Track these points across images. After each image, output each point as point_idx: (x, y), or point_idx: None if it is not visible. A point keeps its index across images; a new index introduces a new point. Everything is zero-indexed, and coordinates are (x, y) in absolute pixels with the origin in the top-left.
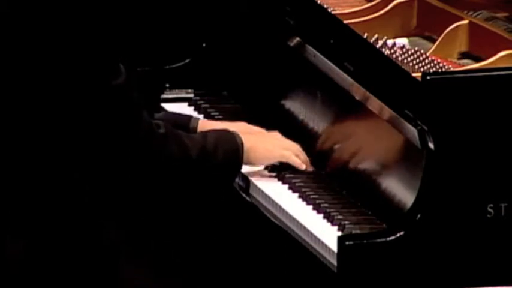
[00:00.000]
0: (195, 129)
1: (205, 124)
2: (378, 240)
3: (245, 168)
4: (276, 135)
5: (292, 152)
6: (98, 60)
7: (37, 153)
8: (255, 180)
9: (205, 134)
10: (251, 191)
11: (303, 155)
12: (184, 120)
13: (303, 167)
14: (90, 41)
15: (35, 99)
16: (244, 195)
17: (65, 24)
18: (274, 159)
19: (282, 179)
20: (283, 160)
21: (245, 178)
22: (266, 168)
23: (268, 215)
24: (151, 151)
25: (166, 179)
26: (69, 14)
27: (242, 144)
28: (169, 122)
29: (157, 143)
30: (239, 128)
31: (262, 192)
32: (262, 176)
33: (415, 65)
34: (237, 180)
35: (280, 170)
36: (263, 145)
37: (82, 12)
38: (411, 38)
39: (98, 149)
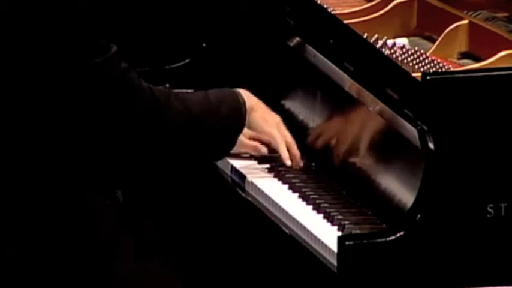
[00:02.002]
0: None
1: None
2: (378, 240)
3: (242, 166)
4: (278, 118)
5: (283, 138)
6: (79, 39)
7: (36, 152)
8: (254, 179)
9: (207, 92)
10: (250, 190)
11: (294, 149)
12: None
13: (287, 162)
14: (73, 21)
15: (22, 87)
16: (243, 194)
17: (46, 3)
18: (265, 131)
19: (281, 178)
20: (272, 140)
21: (244, 177)
22: (257, 160)
23: (268, 214)
24: (156, 115)
25: (172, 139)
26: None
27: (244, 102)
28: None
29: (161, 106)
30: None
31: (262, 192)
32: (261, 175)
33: (415, 65)
34: (235, 179)
35: (273, 165)
36: (262, 111)
37: None
38: (411, 38)
39: (99, 127)
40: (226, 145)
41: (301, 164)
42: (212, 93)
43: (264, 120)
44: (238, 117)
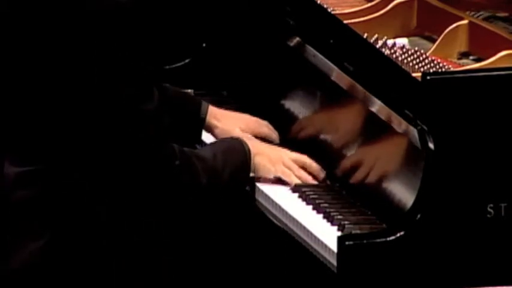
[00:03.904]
0: (203, 120)
1: (215, 113)
2: (378, 240)
3: None
4: (284, 150)
5: (296, 169)
6: (132, 82)
7: (49, 156)
8: (254, 180)
9: (215, 152)
10: (250, 191)
11: (311, 168)
12: (193, 108)
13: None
14: (127, 63)
15: (62, 109)
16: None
17: (103, 43)
18: (275, 173)
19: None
20: (283, 177)
21: None
22: None
23: (268, 215)
24: (164, 181)
25: (176, 201)
26: (111, 33)
27: (249, 151)
28: (177, 106)
29: (171, 176)
30: (248, 122)
31: (262, 192)
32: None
33: (415, 65)
34: None
35: None
36: (268, 155)
37: (124, 34)
38: (411, 38)
39: (114, 164)
40: (229, 194)
41: (323, 175)
42: (218, 153)
43: (271, 163)
44: (242, 173)
